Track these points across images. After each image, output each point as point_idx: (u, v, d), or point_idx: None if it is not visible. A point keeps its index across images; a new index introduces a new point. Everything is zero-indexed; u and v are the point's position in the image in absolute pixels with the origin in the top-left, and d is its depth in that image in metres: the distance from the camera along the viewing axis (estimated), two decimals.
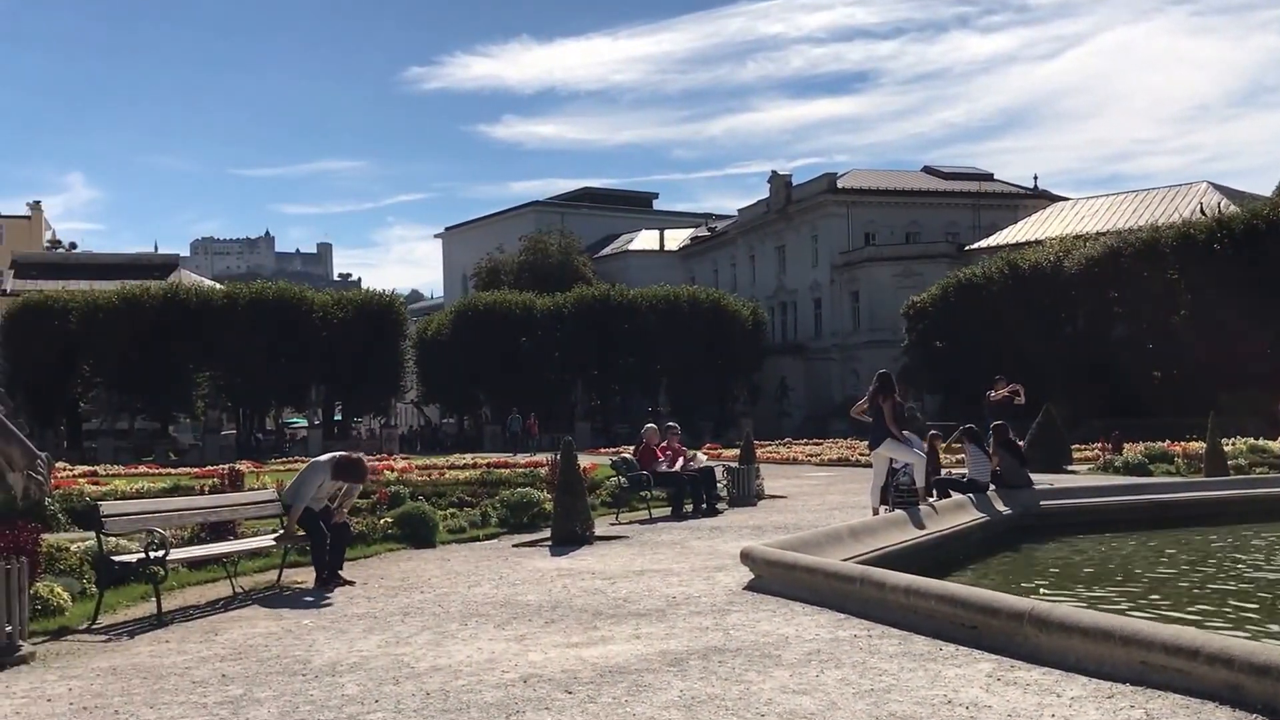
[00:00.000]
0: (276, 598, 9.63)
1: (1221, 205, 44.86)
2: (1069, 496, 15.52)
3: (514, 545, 12.84)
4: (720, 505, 16.59)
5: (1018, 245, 54.59)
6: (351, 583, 9.99)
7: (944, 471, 15.63)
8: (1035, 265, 46.16)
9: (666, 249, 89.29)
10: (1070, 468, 23.38)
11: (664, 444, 16.84)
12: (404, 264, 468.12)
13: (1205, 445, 20.55)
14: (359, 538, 12.14)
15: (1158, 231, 41.99)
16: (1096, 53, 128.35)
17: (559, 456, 13.79)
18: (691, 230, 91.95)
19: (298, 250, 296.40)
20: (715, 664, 6.34)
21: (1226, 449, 21.28)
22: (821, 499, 18.00)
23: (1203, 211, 43.17)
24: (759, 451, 30.15)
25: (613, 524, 14.85)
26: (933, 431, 16.31)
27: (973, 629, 6.49)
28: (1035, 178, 78.28)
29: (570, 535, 12.80)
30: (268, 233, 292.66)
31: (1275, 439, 22.16)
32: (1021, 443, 21.35)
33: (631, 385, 61.39)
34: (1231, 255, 37.04)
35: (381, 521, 13.24)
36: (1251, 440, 24.07)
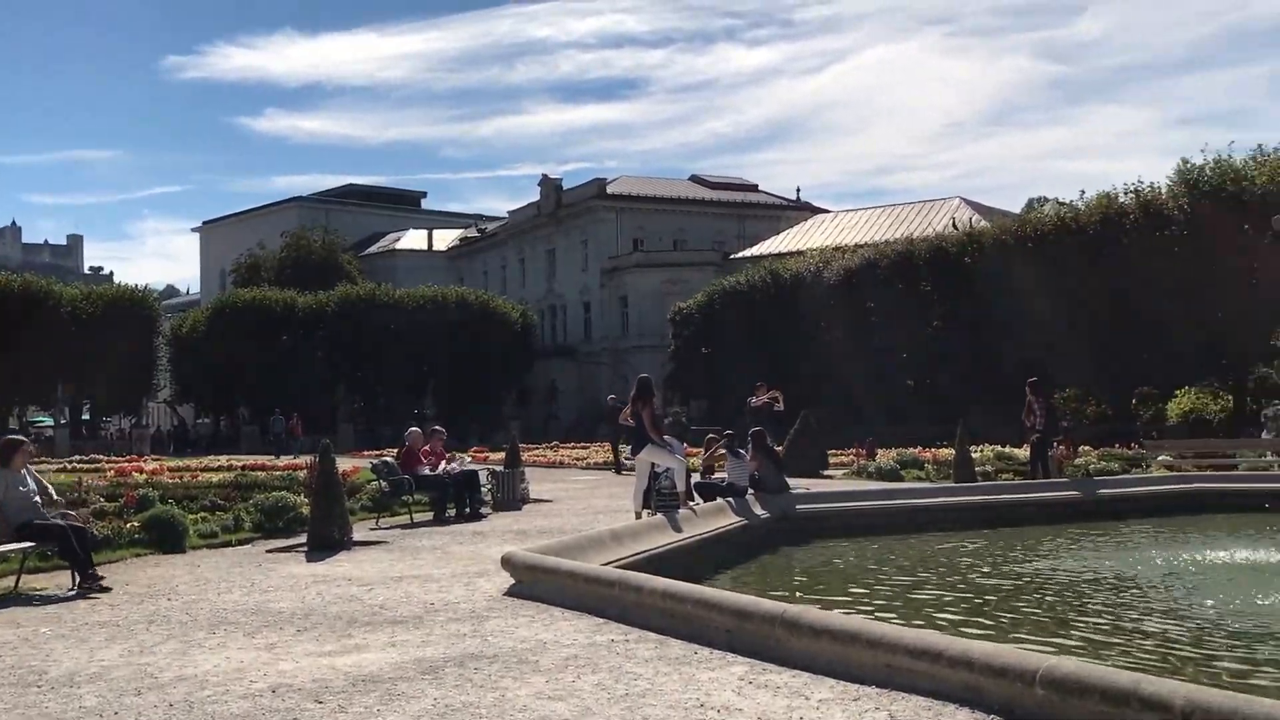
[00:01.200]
0: (14, 604, 8.98)
1: (973, 220, 47.74)
2: (823, 501, 16.08)
3: (268, 551, 12.28)
4: (484, 509, 16.37)
5: (780, 255, 56.51)
6: (108, 588, 9.43)
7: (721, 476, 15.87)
8: (797, 275, 47.88)
9: (435, 249, 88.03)
10: (827, 472, 24.23)
11: (427, 447, 16.48)
12: (160, 258, 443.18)
13: (954, 452, 21.43)
14: (104, 542, 11.42)
15: (912, 244, 44.15)
16: (859, 69, 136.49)
17: (317, 459, 13.27)
18: (461, 231, 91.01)
19: (46, 242, 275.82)
20: (471, 671, 6.18)
21: (974, 456, 22.24)
22: (587, 503, 18.03)
23: (955, 226, 45.75)
24: (527, 455, 30.16)
25: (373, 529, 14.42)
26: (724, 434, 16.45)
27: (728, 632, 6.56)
28: (798, 190, 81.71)
29: (327, 540, 12.33)
30: (14, 223, 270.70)
31: (1021, 446, 23.45)
32: (780, 448, 22.06)
33: (397, 387, 60.14)
34: (980, 268, 39.39)
35: (128, 525, 12.48)
36: (998, 448, 25.25)
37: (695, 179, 79.57)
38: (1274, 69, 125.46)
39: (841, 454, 26.96)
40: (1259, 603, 9.09)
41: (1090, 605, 9.33)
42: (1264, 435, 24.27)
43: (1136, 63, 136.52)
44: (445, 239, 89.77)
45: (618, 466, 27.29)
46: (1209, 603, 9.12)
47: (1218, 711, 4.17)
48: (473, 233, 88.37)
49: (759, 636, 6.35)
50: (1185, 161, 34.92)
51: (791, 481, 16.94)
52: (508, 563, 9.09)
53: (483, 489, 16.82)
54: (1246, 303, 29.41)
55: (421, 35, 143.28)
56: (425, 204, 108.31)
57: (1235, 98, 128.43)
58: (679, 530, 11.58)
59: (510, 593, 8.79)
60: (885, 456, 24.97)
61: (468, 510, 15.79)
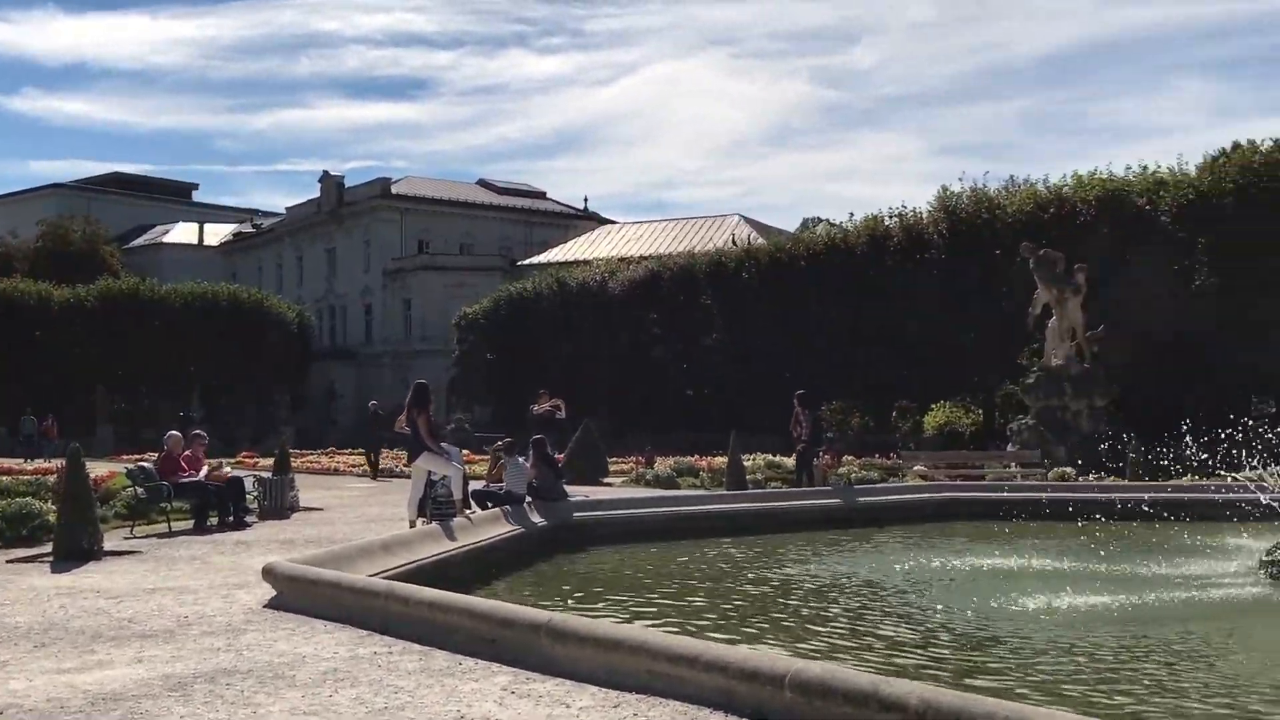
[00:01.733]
0: None
1: (751, 237, 49.22)
2: (600, 509, 16.23)
3: (8, 561, 11.45)
4: (249, 518, 15.75)
5: (567, 264, 56.80)
6: None
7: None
8: (583, 284, 48.25)
9: (206, 244, 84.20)
10: (607, 480, 24.48)
11: (188, 452, 15.72)
12: None
13: (727, 460, 21.94)
14: None
15: (694, 258, 45.24)
16: (648, 82, 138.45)
17: (66, 463, 12.48)
18: (235, 226, 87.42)
19: None
20: (223, 687, 5.95)
21: (746, 464, 22.98)
22: (361, 511, 17.62)
23: (734, 242, 47.12)
24: (300, 461, 29.26)
25: (127, 538, 13.65)
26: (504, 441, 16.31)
27: (493, 642, 6.55)
28: (586, 199, 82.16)
29: (76, 550, 11.61)
30: None
31: (791, 456, 24.21)
32: (561, 456, 22.15)
33: (162, 388, 57.13)
34: (758, 284, 40.71)
35: None
36: (769, 456, 26.05)
37: (483, 183, 79.04)
38: (1027, 106, 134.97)
39: (622, 462, 27.30)
40: (991, 606, 9.75)
41: (833, 610, 9.80)
42: (1009, 448, 25.99)
43: (905, 93, 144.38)
44: (218, 233, 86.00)
45: (374, 473, 26.86)
46: (940, 606, 9.76)
47: (948, 709, 4.45)
48: (248, 228, 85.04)
49: (524, 646, 6.37)
50: (945, 189, 37.16)
51: (571, 489, 17.06)
52: (269, 574, 8.80)
53: (248, 496, 16.20)
54: (997, 323, 31.43)
55: (197, 21, 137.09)
56: (197, 196, 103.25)
57: (992, 131, 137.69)
58: (453, 539, 11.48)
59: (271, 605, 8.50)
60: (663, 465, 25.44)
61: (231, 519, 15.16)
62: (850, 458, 26.66)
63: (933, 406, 34.53)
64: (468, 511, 13.36)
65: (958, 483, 21.81)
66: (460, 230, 71.46)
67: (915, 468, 24.41)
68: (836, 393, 36.53)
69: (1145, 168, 33.87)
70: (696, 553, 14.01)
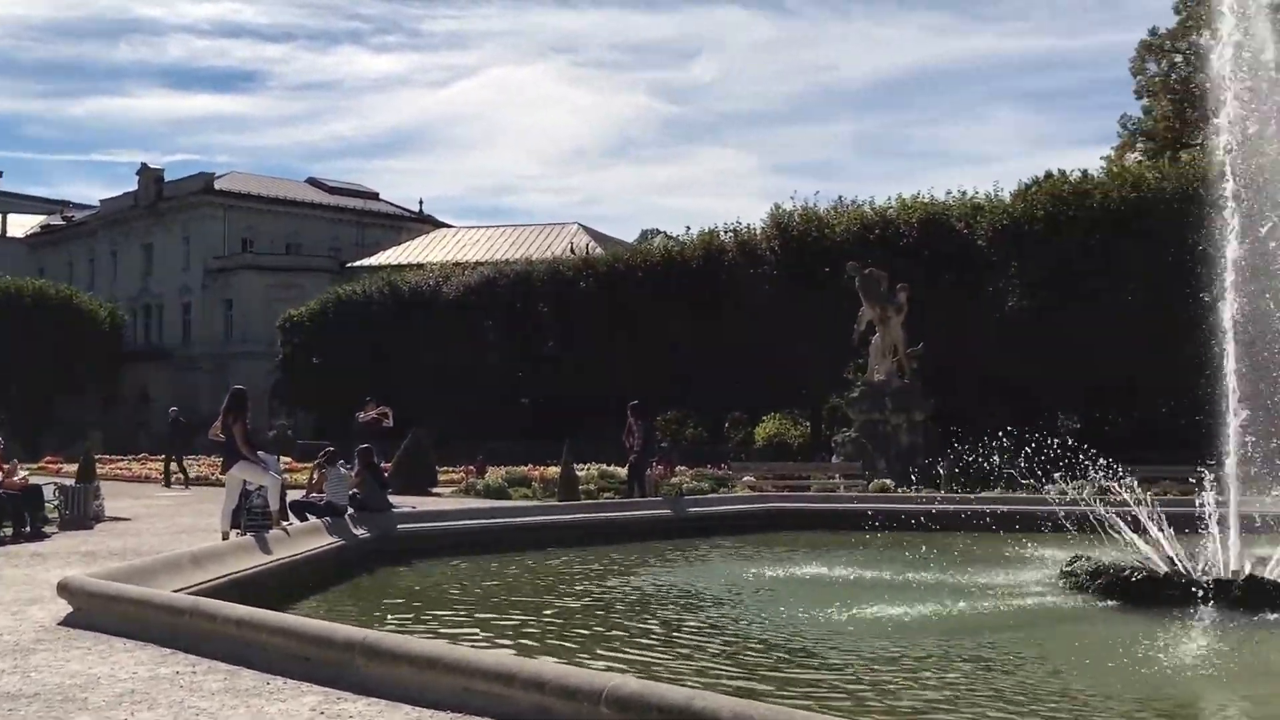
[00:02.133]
0: None
1: (590, 246, 49.23)
2: (426, 520, 15.89)
3: None
4: (48, 529, 14.85)
5: (400, 267, 55.79)
6: None
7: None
8: (416, 288, 47.45)
9: (11, 235, 79.43)
10: (436, 490, 24.09)
11: None
12: None
13: (560, 470, 21.91)
14: None
15: (532, 265, 45.02)
16: (485, 86, 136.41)
17: None
18: (44, 217, 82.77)
19: None
20: (5, 712, 5.54)
21: (580, 474, 22.93)
22: (172, 521, 16.84)
23: (573, 251, 47.07)
24: (108, 467, 27.84)
25: None
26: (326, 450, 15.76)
27: (305, 660, 6.30)
28: (421, 202, 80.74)
29: None
30: None
31: (625, 466, 24.15)
32: (388, 465, 21.69)
33: None
34: (595, 294, 40.77)
35: None
36: (603, 466, 25.88)
37: (313, 181, 76.87)
38: (857, 129, 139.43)
39: (452, 471, 26.92)
40: (804, 616, 9.96)
41: (650, 623, 9.85)
42: (834, 460, 26.71)
43: (742, 110, 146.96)
44: (24, 224, 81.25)
45: (186, 481, 25.83)
46: (754, 618, 9.94)
47: None
48: (58, 220, 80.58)
49: (337, 664, 6.15)
50: (778, 206, 37.98)
51: (398, 499, 16.70)
52: (65, 588, 8.29)
53: (48, 505, 15.29)
54: (825, 339, 32.25)
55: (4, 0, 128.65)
56: (2, 184, 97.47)
57: (825, 151, 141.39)
58: (268, 552, 11.06)
59: (66, 622, 8.00)
60: (495, 474, 25.10)
61: (28, 529, 14.26)
62: (683, 468, 26.94)
63: (764, 418, 35.23)
64: (285, 524, 12.90)
65: (784, 494, 22.26)
66: (287, 229, 69.27)
67: (744, 479, 24.82)
68: (672, 404, 36.92)
69: (964, 193, 35.42)
70: (524, 565, 13.89)
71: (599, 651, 8.47)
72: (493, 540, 15.46)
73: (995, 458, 17.43)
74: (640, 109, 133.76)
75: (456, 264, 50.90)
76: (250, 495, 13.09)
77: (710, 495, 22.17)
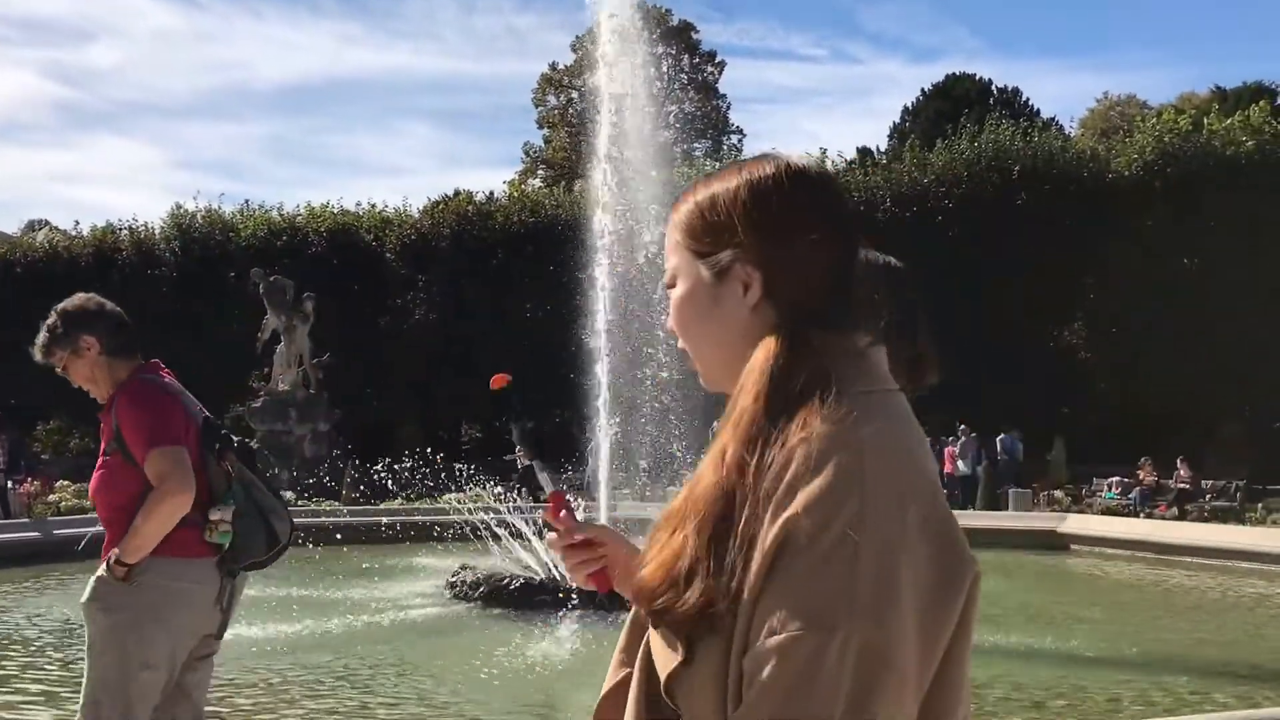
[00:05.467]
0: None
1: None
2: None
3: None
4: None
5: None
6: None
7: None
8: None
9: None
10: None
11: None
12: None
13: None
14: None
15: None
16: None
17: None
18: None
19: None
20: None
21: None
22: None
23: None
24: None
25: None
26: None
27: None
28: None
29: None
30: None
31: None
32: None
33: None
34: None
35: None
36: None
37: None
38: (269, 130, 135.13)
39: None
40: None
41: None
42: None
43: (145, 100, 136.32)
44: None
45: None
46: None
47: None
48: None
49: None
50: (179, 206, 35.73)
51: None
52: None
53: None
54: (228, 346, 30.73)
55: None
56: None
57: (234, 150, 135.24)
58: None
59: None
60: None
61: None
62: (65, 482, 24.33)
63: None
64: None
65: None
66: None
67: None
68: (56, 411, 33.32)
69: (374, 205, 35.72)
70: None
71: None
72: None
73: (397, 468, 17.78)
74: (28, 89, 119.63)
75: None
76: None
77: (89, 514, 20.23)
